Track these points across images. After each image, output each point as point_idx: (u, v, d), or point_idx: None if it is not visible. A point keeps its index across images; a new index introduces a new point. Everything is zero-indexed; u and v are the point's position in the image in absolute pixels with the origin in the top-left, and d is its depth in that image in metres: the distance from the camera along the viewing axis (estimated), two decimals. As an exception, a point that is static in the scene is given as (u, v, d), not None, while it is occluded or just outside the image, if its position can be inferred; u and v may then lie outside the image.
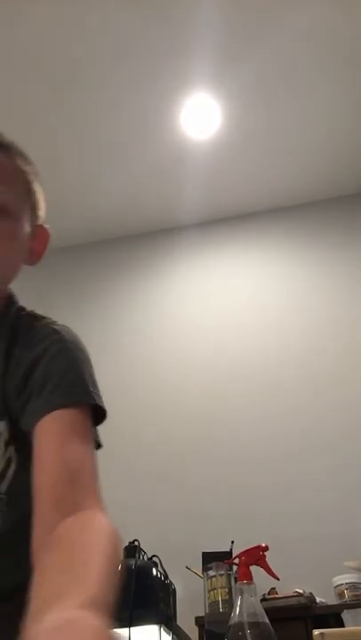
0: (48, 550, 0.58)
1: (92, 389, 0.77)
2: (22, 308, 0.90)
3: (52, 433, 0.70)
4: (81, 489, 0.65)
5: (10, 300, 0.90)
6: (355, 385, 2.99)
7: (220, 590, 2.21)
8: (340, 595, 2.31)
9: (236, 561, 1.09)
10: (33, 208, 0.91)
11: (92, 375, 0.80)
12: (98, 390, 0.79)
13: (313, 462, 2.83)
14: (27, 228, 0.88)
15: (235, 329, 3.28)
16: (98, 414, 0.77)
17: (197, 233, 3.68)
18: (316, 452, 2.85)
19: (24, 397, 0.77)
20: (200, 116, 3.12)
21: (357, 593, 2.29)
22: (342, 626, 2.02)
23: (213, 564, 2.24)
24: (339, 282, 3.34)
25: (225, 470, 2.88)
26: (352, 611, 2.10)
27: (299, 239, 3.53)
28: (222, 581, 2.22)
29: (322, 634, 1.17)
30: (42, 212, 0.94)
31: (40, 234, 0.93)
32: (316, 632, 1.17)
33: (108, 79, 2.94)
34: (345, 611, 2.10)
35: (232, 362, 3.19)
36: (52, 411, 0.71)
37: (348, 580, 2.33)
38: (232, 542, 2.34)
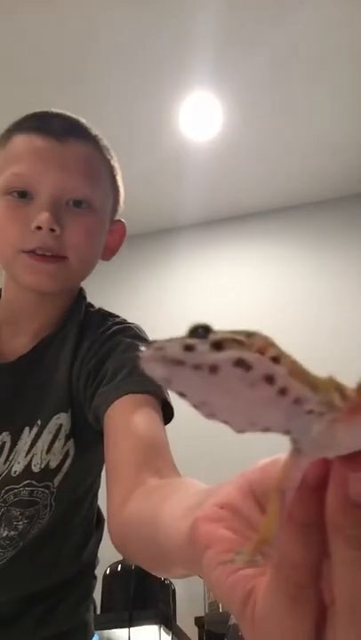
0: (134, 501, 0.54)
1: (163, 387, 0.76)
2: (91, 305, 0.89)
3: (126, 413, 0.68)
4: (159, 456, 0.64)
5: (79, 295, 0.89)
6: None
7: (219, 590, 2.21)
8: (340, 595, 2.32)
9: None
10: (115, 203, 0.90)
11: None
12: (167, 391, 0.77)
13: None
14: (107, 223, 0.87)
15: (235, 328, 3.28)
16: (166, 416, 0.76)
17: (197, 233, 3.68)
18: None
19: (94, 385, 0.75)
20: (200, 115, 3.12)
21: (357, 593, 2.30)
22: (342, 626, 2.02)
23: (213, 564, 2.24)
24: (339, 282, 3.34)
25: (225, 470, 2.88)
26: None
27: (299, 239, 3.53)
28: (222, 581, 2.22)
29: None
30: (121, 208, 0.93)
31: (117, 229, 0.91)
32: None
33: (108, 79, 2.94)
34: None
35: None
36: (124, 394, 0.70)
37: (347, 580, 2.33)
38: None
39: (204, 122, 3.15)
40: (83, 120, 0.88)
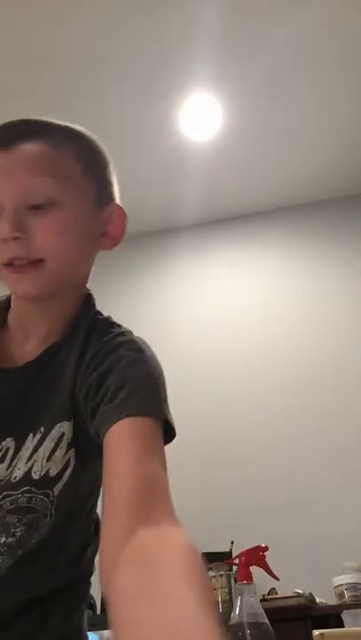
0: (125, 566, 0.53)
1: (164, 406, 0.75)
2: (99, 313, 0.87)
3: (126, 440, 0.68)
4: (156, 500, 0.61)
5: (87, 301, 0.87)
6: (354, 383, 2.99)
7: (219, 590, 2.21)
8: (340, 595, 2.31)
9: (236, 561, 1.09)
10: (98, 188, 0.84)
11: (165, 392, 0.78)
12: (169, 409, 0.77)
13: (313, 463, 2.83)
14: (86, 213, 0.81)
15: (235, 328, 3.28)
16: (167, 435, 0.75)
17: (197, 233, 3.68)
18: (317, 452, 2.85)
19: (95, 401, 0.74)
20: (200, 116, 3.12)
21: (357, 593, 2.29)
22: (342, 626, 2.02)
23: (213, 565, 2.24)
24: (339, 282, 3.34)
25: (225, 471, 2.88)
26: (352, 611, 2.10)
27: (299, 239, 3.53)
28: (222, 582, 2.23)
29: (322, 634, 1.17)
30: (114, 191, 0.88)
31: (113, 214, 0.85)
32: (315, 632, 1.17)
33: (108, 79, 2.94)
34: (345, 611, 2.10)
35: (232, 361, 3.20)
36: (124, 417, 0.69)
37: (347, 581, 2.33)
38: (232, 543, 2.34)
39: (205, 122, 3.15)
40: (35, 118, 0.85)
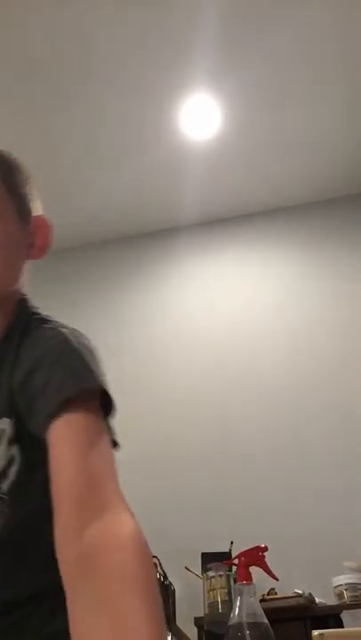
0: (76, 578, 0.56)
1: (95, 378, 0.75)
2: (35, 312, 0.89)
3: (64, 434, 0.68)
4: (98, 491, 0.63)
5: (21, 305, 0.90)
6: (355, 384, 2.99)
7: (219, 591, 2.21)
8: (340, 595, 2.31)
9: (236, 562, 1.09)
10: (23, 203, 0.90)
11: (96, 366, 0.78)
12: (103, 379, 0.76)
13: (312, 463, 2.83)
14: (13, 229, 0.88)
15: (235, 329, 3.28)
16: (107, 406, 0.75)
17: (197, 233, 3.68)
18: (316, 453, 2.85)
19: (28, 396, 0.76)
20: (200, 116, 3.12)
21: (356, 593, 2.29)
22: (341, 626, 2.02)
23: (213, 565, 2.24)
24: (340, 282, 3.34)
25: (224, 471, 2.88)
26: (351, 611, 2.10)
27: (299, 240, 3.53)
28: (221, 582, 2.22)
29: (321, 634, 1.17)
30: (36, 204, 0.93)
31: (38, 226, 0.92)
32: (315, 633, 1.17)
33: (108, 80, 2.94)
34: (344, 611, 2.11)
35: (232, 361, 3.20)
36: (56, 407, 0.69)
37: (347, 581, 2.33)
38: (231, 543, 2.34)
39: (204, 123, 3.15)
40: None
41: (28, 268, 0.91)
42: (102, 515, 0.59)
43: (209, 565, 2.25)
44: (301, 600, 2.22)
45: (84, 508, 0.61)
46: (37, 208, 0.94)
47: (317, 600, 2.28)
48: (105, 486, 0.64)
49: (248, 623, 0.96)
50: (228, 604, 2.08)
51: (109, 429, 0.74)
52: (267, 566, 1.11)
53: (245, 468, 2.88)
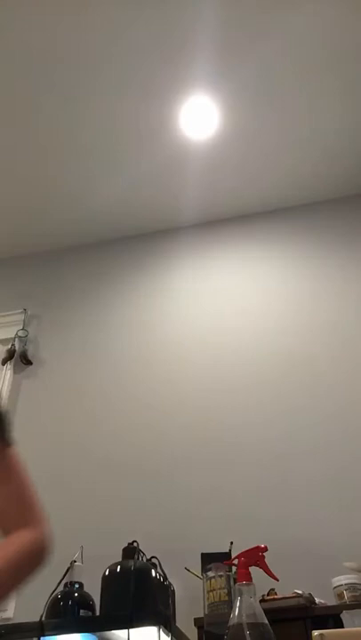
0: None
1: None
2: None
3: None
4: (14, 522, 1.00)
5: None
6: (355, 387, 2.99)
7: (219, 591, 2.20)
8: (340, 596, 2.31)
9: (236, 562, 1.09)
10: None
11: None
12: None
13: (312, 463, 2.83)
14: None
15: (235, 329, 3.28)
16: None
17: (196, 234, 3.68)
18: (316, 453, 2.85)
19: None
20: (199, 116, 3.13)
21: (357, 594, 2.29)
22: (341, 627, 2.01)
23: (212, 565, 2.24)
24: (340, 282, 3.34)
25: (224, 471, 2.88)
26: (351, 612, 2.10)
27: (298, 240, 3.53)
28: (221, 582, 2.22)
29: (321, 635, 1.17)
30: None
31: None
32: (315, 633, 1.17)
33: (107, 80, 2.95)
34: (344, 612, 2.10)
35: (232, 362, 3.19)
36: None
37: (347, 581, 2.33)
38: (231, 543, 2.33)
39: (203, 123, 3.16)
40: None
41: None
42: (15, 532, 1.00)
43: (209, 566, 2.25)
44: (301, 600, 2.22)
45: (13, 524, 1.00)
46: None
47: (317, 600, 2.27)
48: (16, 516, 1.02)
49: (248, 623, 0.96)
50: (228, 604, 2.07)
51: (10, 444, 1.08)
52: (267, 566, 1.11)
53: (245, 468, 2.88)
